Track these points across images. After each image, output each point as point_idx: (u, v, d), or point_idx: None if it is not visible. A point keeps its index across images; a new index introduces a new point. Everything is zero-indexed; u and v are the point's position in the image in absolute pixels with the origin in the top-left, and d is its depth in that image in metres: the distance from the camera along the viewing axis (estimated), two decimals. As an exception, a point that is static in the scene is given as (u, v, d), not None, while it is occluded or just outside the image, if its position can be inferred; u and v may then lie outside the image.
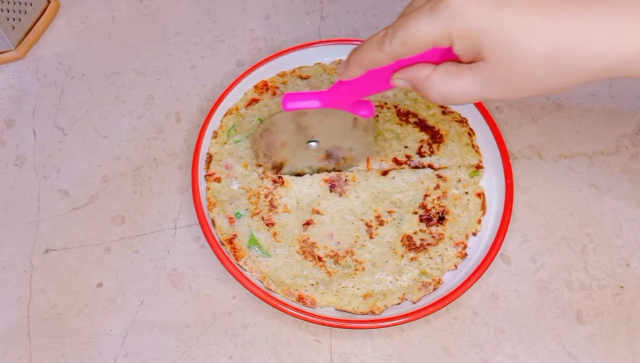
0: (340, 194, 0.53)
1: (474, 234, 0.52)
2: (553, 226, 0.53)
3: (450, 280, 0.50)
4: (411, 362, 0.48)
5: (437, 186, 0.54)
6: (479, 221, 0.52)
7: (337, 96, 0.43)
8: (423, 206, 0.53)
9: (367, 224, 0.52)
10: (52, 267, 0.52)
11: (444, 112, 0.57)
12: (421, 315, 0.48)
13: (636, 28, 0.30)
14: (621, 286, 0.51)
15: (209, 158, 0.54)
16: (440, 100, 0.36)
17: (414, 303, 0.49)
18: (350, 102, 0.43)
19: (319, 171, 0.54)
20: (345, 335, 0.49)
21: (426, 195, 0.53)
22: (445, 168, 0.55)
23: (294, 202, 0.53)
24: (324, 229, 0.52)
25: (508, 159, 0.53)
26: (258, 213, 0.53)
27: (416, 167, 0.55)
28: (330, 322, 0.47)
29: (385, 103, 0.57)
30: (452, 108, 0.57)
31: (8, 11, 0.59)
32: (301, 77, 0.59)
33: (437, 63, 0.36)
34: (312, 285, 0.50)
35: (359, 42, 0.56)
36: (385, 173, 0.54)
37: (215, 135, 0.56)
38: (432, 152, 0.55)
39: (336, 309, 0.49)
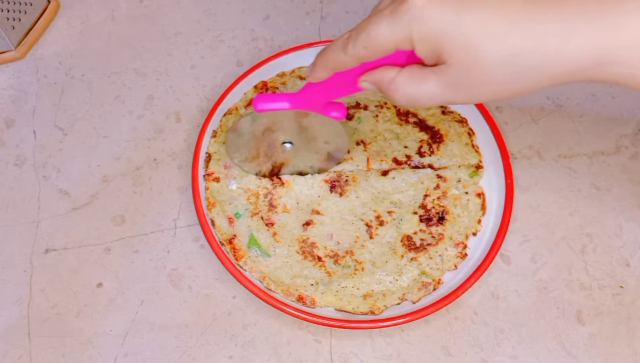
0: (340, 195, 0.53)
1: (474, 234, 0.52)
2: (553, 226, 0.53)
3: (450, 280, 0.50)
4: (411, 362, 0.48)
5: (437, 186, 0.54)
6: (479, 221, 0.52)
7: (306, 97, 0.43)
8: (423, 206, 0.53)
9: (367, 225, 0.52)
10: (52, 267, 0.52)
11: (443, 112, 0.57)
12: (421, 315, 0.48)
13: (589, 32, 0.30)
14: (621, 286, 0.51)
15: (208, 157, 0.54)
16: (406, 103, 0.36)
17: (413, 303, 0.49)
18: (320, 104, 0.43)
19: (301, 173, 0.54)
20: (345, 335, 0.49)
21: (426, 195, 0.53)
22: (445, 167, 0.55)
23: (294, 202, 0.53)
24: (323, 229, 0.52)
25: (508, 159, 0.53)
26: (257, 213, 0.53)
27: (416, 167, 0.55)
28: (330, 322, 0.47)
29: (385, 103, 0.57)
30: (452, 108, 0.57)
31: (8, 11, 0.59)
32: (301, 78, 0.59)
33: (403, 66, 0.36)
34: (312, 285, 0.50)
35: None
36: (385, 173, 0.54)
37: (214, 134, 0.56)
38: (432, 152, 0.55)
39: (336, 309, 0.49)
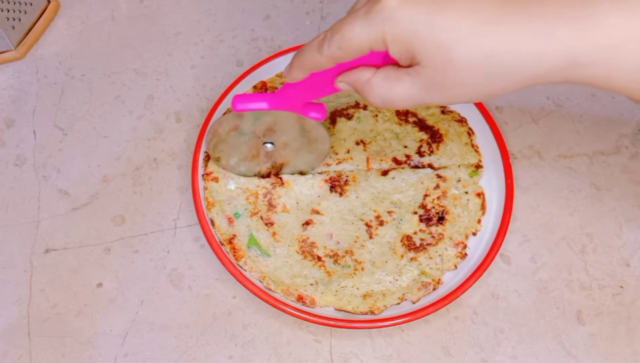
0: (340, 194, 0.53)
1: (474, 234, 0.52)
2: (553, 226, 0.53)
3: (450, 280, 0.50)
4: (411, 362, 0.48)
5: (437, 186, 0.54)
6: (479, 221, 0.52)
7: (285, 98, 0.43)
8: (423, 206, 0.53)
9: (366, 224, 0.52)
10: (52, 267, 0.52)
11: (443, 112, 0.57)
12: (421, 315, 0.48)
13: (563, 34, 0.30)
14: (621, 286, 0.51)
15: (207, 157, 0.54)
16: (381, 104, 0.36)
17: (413, 303, 0.49)
18: (299, 105, 0.43)
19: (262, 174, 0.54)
20: (345, 335, 0.49)
21: (426, 195, 0.53)
22: (445, 167, 0.55)
23: (294, 202, 0.53)
24: (323, 229, 0.52)
25: (508, 159, 0.53)
26: (257, 213, 0.53)
27: (416, 166, 0.55)
28: (331, 322, 0.47)
29: (385, 103, 0.57)
30: (452, 107, 0.57)
31: (8, 11, 0.59)
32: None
33: (380, 67, 0.36)
34: (312, 284, 0.50)
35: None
36: (385, 173, 0.54)
37: (215, 135, 0.56)
38: (432, 151, 0.55)
39: (335, 309, 0.49)
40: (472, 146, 0.55)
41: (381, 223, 0.52)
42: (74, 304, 0.51)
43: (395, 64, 0.35)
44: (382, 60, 0.35)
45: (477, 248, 0.51)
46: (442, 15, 0.31)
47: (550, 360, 0.48)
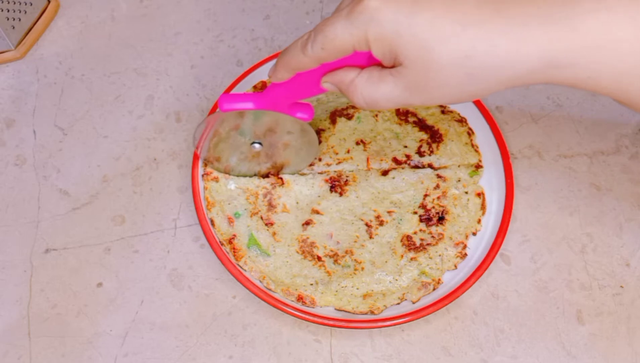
0: (340, 194, 0.53)
1: (474, 234, 0.52)
2: (553, 226, 0.53)
3: (450, 280, 0.50)
4: (411, 362, 0.48)
5: (437, 186, 0.54)
6: (479, 221, 0.52)
7: (271, 98, 0.43)
8: (423, 206, 0.53)
9: (366, 224, 0.52)
10: (52, 267, 0.52)
11: (443, 112, 0.57)
12: (421, 315, 0.48)
13: (543, 34, 0.29)
14: (621, 286, 0.51)
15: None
16: (365, 105, 0.36)
17: (413, 303, 0.49)
18: (286, 105, 0.43)
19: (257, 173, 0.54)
20: (345, 335, 0.49)
21: (426, 195, 0.53)
22: (445, 167, 0.55)
23: (294, 202, 0.53)
24: (323, 229, 0.52)
25: (508, 159, 0.53)
26: (257, 213, 0.53)
27: (416, 166, 0.55)
28: (331, 322, 0.47)
29: (385, 103, 0.57)
30: (452, 107, 0.57)
31: (8, 11, 0.59)
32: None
33: (364, 67, 0.36)
34: (312, 284, 0.50)
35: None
36: (385, 173, 0.54)
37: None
38: (432, 151, 0.55)
39: (335, 309, 0.49)
40: (472, 146, 0.55)
41: (381, 223, 0.52)
42: (74, 304, 0.51)
43: (380, 64, 0.35)
44: (367, 60, 0.35)
45: (477, 248, 0.51)
46: (423, 16, 0.31)
47: (550, 360, 0.48)
